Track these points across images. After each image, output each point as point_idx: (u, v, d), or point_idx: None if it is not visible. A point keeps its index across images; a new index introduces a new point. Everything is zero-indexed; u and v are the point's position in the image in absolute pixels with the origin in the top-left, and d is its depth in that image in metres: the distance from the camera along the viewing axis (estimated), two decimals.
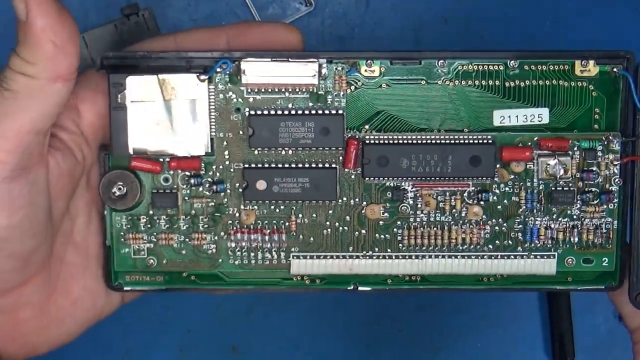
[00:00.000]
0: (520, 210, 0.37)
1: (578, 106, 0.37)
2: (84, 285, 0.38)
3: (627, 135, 0.37)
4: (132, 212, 0.37)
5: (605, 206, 0.37)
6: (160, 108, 0.35)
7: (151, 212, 0.37)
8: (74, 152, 0.36)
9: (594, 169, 0.37)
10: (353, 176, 0.37)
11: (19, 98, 0.32)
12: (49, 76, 0.31)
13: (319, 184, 0.36)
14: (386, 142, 0.36)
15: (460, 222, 0.38)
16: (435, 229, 0.38)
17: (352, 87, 0.36)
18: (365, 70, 0.36)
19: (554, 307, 0.53)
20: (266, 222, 0.37)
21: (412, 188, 0.37)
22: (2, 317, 0.36)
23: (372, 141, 0.36)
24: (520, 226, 0.38)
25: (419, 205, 0.37)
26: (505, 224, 0.38)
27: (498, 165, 0.37)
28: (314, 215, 0.37)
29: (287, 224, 0.37)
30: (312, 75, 0.35)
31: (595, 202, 0.37)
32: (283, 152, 0.37)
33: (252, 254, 0.38)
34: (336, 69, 0.36)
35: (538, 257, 0.38)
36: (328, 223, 0.37)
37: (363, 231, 0.38)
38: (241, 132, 0.36)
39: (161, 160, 0.36)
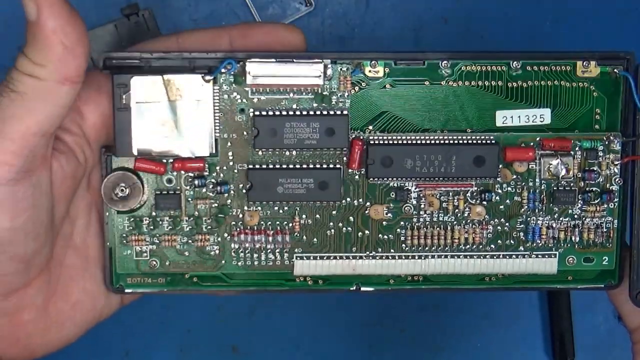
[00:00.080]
0: (523, 210, 0.38)
1: (579, 106, 0.37)
2: (84, 287, 0.37)
3: (627, 136, 0.37)
4: (135, 213, 0.37)
5: (605, 205, 0.38)
6: (165, 109, 0.35)
7: (154, 213, 0.37)
8: (77, 154, 0.35)
9: (595, 168, 0.37)
10: (357, 177, 0.37)
11: (26, 100, 0.31)
12: (58, 78, 0.31)
13: (323, 184, 0.36)
14: (390, 142, 0.36)
15: (463, 222, 0.38)
16: (438, 229, 0.38)
17: (356, 88, 0.36)
18: (370, 71, 0.36)
19: (554, 306, 0.53)
20: (269, 223, 0.37)
21: (415, 188, 0.37)
22: (3, 319, 0.36)
23: (376, 142, 0.36)
24: (522, 226, 0.38)
25: (422, 206, 0.37)
26: (507, 224, 0.38)
27: (501, 166, 0.37)
28: (318, 216, 0.37)
29: (290, 224, 0.37)
30: (317, 75, 0.35)
31: (596, 201, 0.38)
32: (287, 153, 0.36)
33: (256, 255, 0.38)
34: (340, 69, 0.36)
35: (539, 256, 0.38)
36: (332, 224, 0.37)
37: (367, 231, 0.38)
38: (245, 133, 0.36)
39: (164, 161, 0.36)
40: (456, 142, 0.37)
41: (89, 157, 0.36)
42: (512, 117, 0.37)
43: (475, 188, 0.37)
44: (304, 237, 0.37)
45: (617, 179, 0.38)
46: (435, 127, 0.37)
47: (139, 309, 0.39)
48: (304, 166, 0.36)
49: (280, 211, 0.37)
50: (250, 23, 0.41)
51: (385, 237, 0.38)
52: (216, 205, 0.37)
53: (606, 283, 0.39)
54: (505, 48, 0.50)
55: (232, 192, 0.37)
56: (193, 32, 0.37)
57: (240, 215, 0.37)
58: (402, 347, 0.54)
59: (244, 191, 0.37)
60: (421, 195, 0.37)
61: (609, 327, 0.54)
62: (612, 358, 0.54)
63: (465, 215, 0.38)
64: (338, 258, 0.38)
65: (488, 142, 0.37)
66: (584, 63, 0.37)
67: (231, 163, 0.37)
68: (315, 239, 0.37)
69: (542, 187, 0.38)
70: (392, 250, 0.38)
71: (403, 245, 0.38)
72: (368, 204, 0.37)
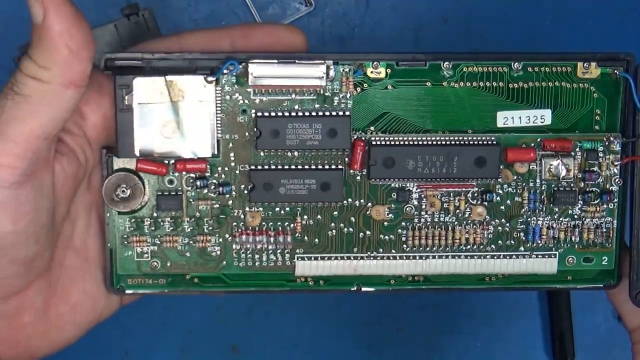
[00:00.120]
0: (523, 210, 0.38)
1: (580, 107, 0.37)
2: (84, 289, 0.37)
3: (627, 136, 0.37)
4: (136, 214, 0.37)
5: (605, 206, 0.38)
6: (167, 110, 0.35)
7: (155, 214, 0.37)
8: (78, 155, 0.35)
9: (595, 169, 0.38)
10: (358, 177, 0.37)
11: (30, 103, 0.31)
12: (62, 81, 0.31)
13: (325, 185, 0.36)
14: (392, 143, 0.37)
15: (464, 222, 0.38)
16: (439, 229, 0.38)
17: (358, 89, 0.36)
18: (372, 72, 0.36)
19: (554, 306, 0.54)
20: (271, 223, 0.37)
21: (416, 189, 0.37)
22: (3, 322, 0.36)
23: (378, 142, 0.36)
24: (523, 226, 0.38)
25: (424, 206, 0.38)
26: (508, 224, 0.38)
27: (502, 166, 0.37)
28: (319, 216, 0.37)
29: (292, 225, 0.37)
30: (320, 77, 0.35)
31: (596, 201, 0.38)
32: (289, 154, 0.36)
33: (257, 256, 0.37)
34: (343, 70, 0.36)
35: (539, 256, 0.38)
36: (333, 224, 0.37)
37: (368, 232, 0.38)
38: (247, 134, 0.36)
39: (166, 162, 0.36)
40: (458, 142, 0.37)
41: (89, 157, 0.36)
42: (512, 118, 0.37)
43: (476, 189, 0.38)
44: (306, 237, 0.37)
45: (616, 180, 0.38)
46: (436, 128, 0.37)
47: (138, 309, 0.39)
48: (306, 167, 0.36)
49: (282, 212, 0.37)
50: (251, 24, 0.41)
51: (387, 237, 0.38)
52: (218, 206, 0.37)
53: (605, 283, 0.39)
54: (506, 48, 0.50)
55: (233, 192, 0.37)
56: (194, 33, 0.37)
57: (242, 216, 0.37)
58: (401, 346, 0.54)
59: (246, 192, 0.37)
60: (422, 196, 0.37)
61: (608, 327, 0.54)
62: (612, 358, 0.54)
63: (466, 215, 0.38)
64: (339, 259, 0.38)
65: (489, 142, 0.37)
66: (585, 64, 0.37)
67: (233, 164, 0.36)
68: (316, 240, 0.38)
69: (543, 188, 0.38)
70: (393, 251, 0.38)
71: (404, 245, 0.38)
72: (369, 204, 0.37)
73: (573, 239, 0.38)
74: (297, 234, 0.37)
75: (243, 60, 0.35)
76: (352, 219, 0.37)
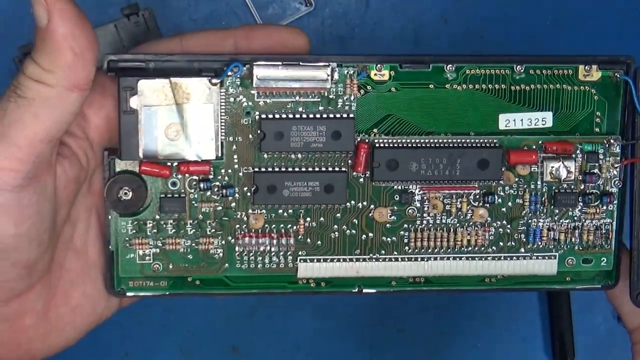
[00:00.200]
0: (524, 212, 0.38)
1: (581, 110, 0.38)
2: (84, 291, 0.37)
3: (627, 139, 0.38)
4: (138, 216, 0.36)
5: (605, 207, 0.38)
6: (171, 112, 0.34)
7: (157, 216, 0.37)
8: (79, 158, 0.35)
9: (596, 171, 0.38)
10: (361, 179, 0.37)
11: (34, 106, 0.31)
12: (66, 85, 0.31)
13: (329, 187, 0.36)
14: (395, 145, 0.37)
15: (466, 224, 0.38)
16: (441, 231, 0.38)
17: (362, 91, 0.36)
18: (375, 74, 0.36)
19: (554, 306, 0.54)
20: (274, 225, 0.37)
21: (419, 191, 0.38)
22: (4, 325, 0.35)
23: (381, 145, 0.36)
24: (524, 228, 0.38)
25: (426, 208, 0.38)
26: (509, 226, 0.38)
27: (504, 168, 0.37)
28: (322, 218, 0.37)
29: (295, 227, 0.37)
30: (324, 79, 0.35)
31: (596, 203, 0.38)
32: (292, 156, 0.36)
33: (259, 258, 0.37)
34: (347, 73, 0.36)
35: (540, 257, 0.39)
36: (336, 226, 0.37)
37: (370, 234, 0.38)
38: (251, 136, 0.36)
39: (169, 164, 0.36)
40: (461, 145, 0.37)
41: (91, 160, 0.36)
42: (514, 120, 0.37)
43: (478, 191, 0.38)
44: (308, 239, 0.37)
45: (616, 182, 0.38)
46: (439, 130, 0.37)
47: (139, 311, 0.38)
48: (310, 169, 0.36)
49: (285, 214, 0.37)
50: (254, 25, 0.41)
51: (389, 239, 0.38)
52: (221, 208, 0.37)
53: (604, 283, 0.39)
54: (506, 48, 0.50)
55: (237, 195, 0.37)
56: (196, 34, 0.37)
57: (245, 218, 0.37)
58: (402, 347, 0.54)
59: (249, 194, 0.37)
60: (425, 198, 0.38)
61: (608, 327, 0.55)
62: (612, 358, 0.55)
63: (468, 217, 0.38)
64: (342, 260, 0.38)
65: (492, 145, 0.37)
66: (586, 67, 0.37)
67: (236, 166, 0.36)
68: (319, 242, 0.38)
69: (544, 190, 0.38)
70: (395, 253, 0.38)
71: (406, 247, 0.38)
72: (372, 206, 0.37)
73: (573, 240, 0.39)
74: (299, 236, 0.37)
75: (247, 62, 0.35)
76: (355, 221, 0.38)
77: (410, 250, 0.38)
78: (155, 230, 0.37)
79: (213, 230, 0.37)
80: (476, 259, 0.38)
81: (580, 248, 0.39)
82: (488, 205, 0.38)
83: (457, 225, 0.38)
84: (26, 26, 0.41)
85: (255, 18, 0.49)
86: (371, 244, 0.38)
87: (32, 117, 0.31)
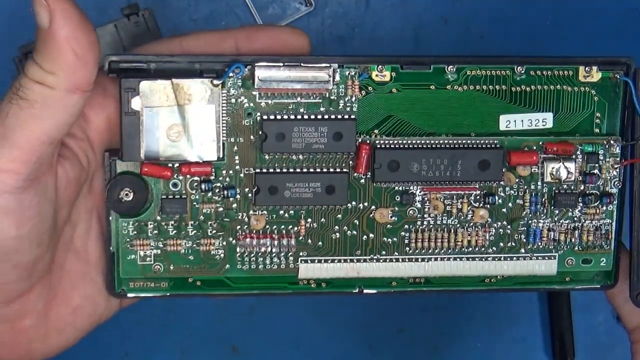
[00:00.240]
0: (524, 212, 0.38)
1: (580, 111, 0.38)
2: (84, 292, 0.37)
3: (626, 139, 0.38)
4: (140, 217, 0.36)
5: (605, 208, 0.38)
6: (173, 113, 0.34)
7: (158, 217, 0.37)
8: (80, 159, 0.35)
9: (596, 172, 0.38)
10: (362, 180, 0.37)
11: (35, 108, 0.31)
12: (68, 87, 0.31)
13: (330, 188, 0.36)
14: (397, 146, 0.37)
15: (466, 225, 0.38)
16: (441, 232, 0.38)
17: (363, 92, 0.36)
18: (377, 75, 0.36)
19: (554, 306, 0.54)
20: (275, 226, 0.37)
21: (420, 192, 0.38)
22: (5, 326, 0.35)
23: (382, 146, 0.37)
24: (524, 228, 0.38)
25: (427, 209, 0.38)
26: (509, 227, 0.38)
27: (504, 169, 0.37)
28: (323, 219, 0.37)
29: (296, 228, 0.37)
30: (326, 80, 0.35)
31: (596, 204, 0.38)
32: (294, 157, 0.36)
33: (260, 259, 0.37)
34: (348, 74, 0.36)
35: (540, 258, 0.39)
36: (337, 227, 0.38)
37: (371, 235, 0.38)
38: (252, 137, 0.36)
39: (170, 165, 0.36)
40: (461, 146, 0.37)
41: (92, 161, 0.36)
42: (515, 121, 0.38)
43: (479, 191, 0.38)
44: (309, 240, 0.37)
45: (616, 182, 0.38)
46: (439, 131, 0.37)
47: (139, 311, 0.38)
48: (311, 170, 0.36)
49: (286, 215, 0.37)
50: (255, 26, 0.41)
51: (389, 240, 0.38)
52: (222, 209, 0.37)
53: (603, 283, 0.40)
54: (506, 48, 0.50)
55: (238, 196, 0.37)
56: (197, 35, 0.36)
57: (246, 219, 0.37)
58: (402, 347, 0.54)
59: (251, 195, 0.37)
60: (425, 198, 0.38)
61: (608, 327, 0.55)
62: (612, 358, 0.55)
63: (469, 218, 0.38)
64: (342, 261, 0.38)
65: (492, 146, 0.37)
66: (586, 68, 0.37)
67: (238, 167, 0.36)
68: (320, 243, 0.38)
69: (544, 190, 0.38)
70: (395, 253, 0.38)
71: (407, 248, 0.38)
72: (373, 207, 0.37)
73: (573, 240, 0.39)
74: (301, 237, 0.37)
75: (249, 63, 0.35)
76: (356, 221, 0.38)
77: (411, 251, 0.38)
78: (156, 232, 0.37)
79: (214, 231, 0.37)
80: (476, 259, 0.38)
81: (580, 248, 0.39)
82: (488, 206, 0.38)
83: (458, 226, 0.38)
84: (26, 26, 0.41)
85: (255, 18, 0.49)
86: (372, 244, 0.38)
87: (33, 119, 0.31)
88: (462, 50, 0.50)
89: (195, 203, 0.36)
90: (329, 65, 0.35)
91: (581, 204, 0.38)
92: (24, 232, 0.32)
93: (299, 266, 0.38)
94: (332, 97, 0.36)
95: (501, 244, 0.38)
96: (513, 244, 0.38)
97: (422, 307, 0.55)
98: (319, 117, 0.36)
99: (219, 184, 0.36)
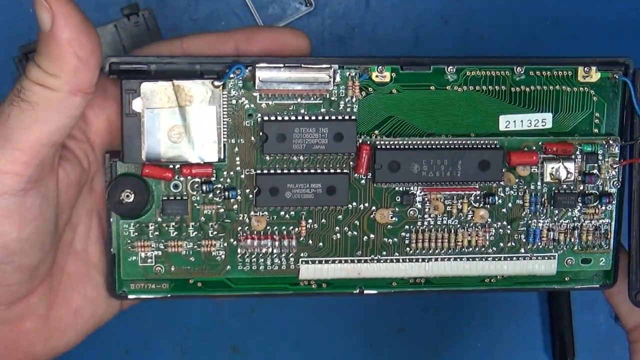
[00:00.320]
0: (524, 213, 0.38)
1: (580, 111, 0.38)
2: (85, 294, 0.37)
3: (625, 139, 0.38)
4: (141, 219, 0.36)
5: (604, 208, 0.39)
6: (174, 114, 0.34)
7: (159, 219, 0.37)
8: (81, 161, 0.35)
9: (595, 172, 0.38)
10: (363, 181, 0.37)
11: (37, 110, 0.31)
12: (70, 89, 0.31)
13: (331, 189, 0.36)
14: (397, 147, 0.37)
15: (467, 225, 0.38)
16: (442, 232, 0.38)
17: (363, 93, 0.37)
18: (377, 76, 0.36)
19: (554, 306, 0.54)
20: (276, 227, 0.37)
21: (420, 192, 0.38)
22: (6, 328, 0.35)
23: (383, 146, 0.37)
24: (524, 228, 0.38)
25: (427, 209, 0.38)
26: (509, 227, 0.38)
27: (504, 169, 0.38)
28: (324, 220, 0.37)
29: (297, 229, 0.37)
30: (326, 81, 0.35)
31: (595, 204, 0.38)
32: (295, 158, 0.36)
33: (261, 260, 0.37)
34: (348, 74, 0.36)
35: (539, 258, 0.39)
36: (337, 228, 0.38)
37: (372, 235, 0.38)
38: (253, 138, 0.36)
39: (171, 166, 0.36)
40: (462, 146, 0.37)
41: (92, 162, 0.36)
42: (514, 121, 0.38)
43: (479, 192, 0.38)
44: (310, 241, 0.38)
45: (615, 182, 0.38)
46: (439, 132, 0.37)
47: (139, 309, 0.38)
48: (312, 171, 0.36)
49: (287, 216, 0.37)
50: (255, 27, 0.41)
51: (390, 240, 0.38)
52: (223, 210, 0.37)
53: (602, 283, 0.40)
54: (505, 48, 0.50)
55: (239, 197, 0.37)
56: (197, 36, 0.36)
57: (247, 220, 0.37)
58: (402, 347, 0.55)
59: (251, 196, 0.37)
60: (426, 199, 0.38)
61: (609, 326, 0.55)
62: (612, 358, 0.55)
63: (469, 218, 0.38)
64: (343, 262, 0.38)
65: (492, 146, 0.37)
66: (585, 69, 0.37)
67: (238, 168, 0.36)
68: (321, 243, 0.38)
69: (544, 191, 0.38)
70: (396, 254, 0.38)
71: (407, 248, 0.38)
72: (374, 208, 0.38)
73: (572, 240, 0.39)
74: (301, 238, 0.37)
75: (249, 64, 0.35)
76: (357, 222, 0.38)
77: (411, 251, 0.38)
78: (157, 233, 0.37)
79: (215, 232, 0.37)
80: (476, 259, 0.38)
81: (580, 248, 0.39)
82: (488, 206, 0.38)
83: (458, 226, 0.38)
84: (26, 26, 0.41)
85: (255, 18, 0.49)
86: (373, 245, 0.38)
87: (35, 121, 0.31)
88: (462, 51, 0.50)
89: (196, 204, 0.37)
90: (329, 66, 0.35)
91: (580, 204, 0.38)
92: (26, 234, 0.32)
93: (299, 267, 0.38)
94: (332, 98, 0.36)
95: (501, 244, 0.39)
96: (513, 244, 0.39)
97: (423, 307, 0.55)
98: (320, 118, 0.36)
99: (219, 185, 0.36)
